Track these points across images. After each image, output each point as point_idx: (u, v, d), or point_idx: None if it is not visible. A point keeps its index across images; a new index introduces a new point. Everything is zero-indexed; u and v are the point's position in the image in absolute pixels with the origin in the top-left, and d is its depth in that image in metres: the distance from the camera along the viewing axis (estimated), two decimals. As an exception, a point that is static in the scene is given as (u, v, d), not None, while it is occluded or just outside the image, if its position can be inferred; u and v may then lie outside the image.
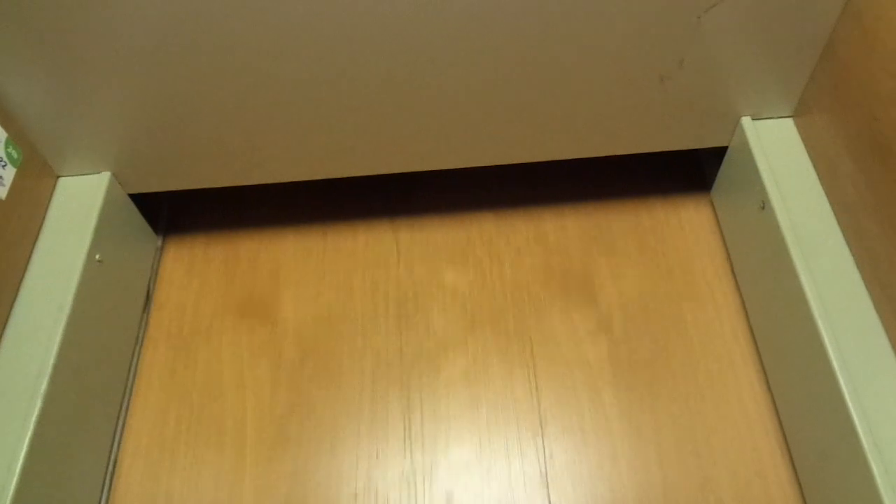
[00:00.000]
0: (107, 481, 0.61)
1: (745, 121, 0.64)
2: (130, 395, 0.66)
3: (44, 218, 0.63)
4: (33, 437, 0.51)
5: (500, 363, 0.66)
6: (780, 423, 0.60)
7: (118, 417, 0.64)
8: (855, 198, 0.55)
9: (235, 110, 0.60)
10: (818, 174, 0.61)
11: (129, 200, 0.69)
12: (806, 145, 0.63)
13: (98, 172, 0.65)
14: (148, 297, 0.72)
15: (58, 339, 0.55)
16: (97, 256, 0.61)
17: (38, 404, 0.52)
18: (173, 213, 0.78)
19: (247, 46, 0.54)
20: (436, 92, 0.59)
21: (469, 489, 0.60)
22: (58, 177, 0.66)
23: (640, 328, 0.67)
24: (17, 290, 0.59)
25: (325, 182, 0.69)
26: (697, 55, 0.58)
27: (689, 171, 0.77)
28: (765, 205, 0.60)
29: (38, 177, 0.63)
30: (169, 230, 0.76)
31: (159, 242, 0.75)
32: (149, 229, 0.73)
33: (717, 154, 0.70)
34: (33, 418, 0.52)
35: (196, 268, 0.74)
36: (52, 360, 0.54)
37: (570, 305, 0.69)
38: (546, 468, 0.60)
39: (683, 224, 0.73)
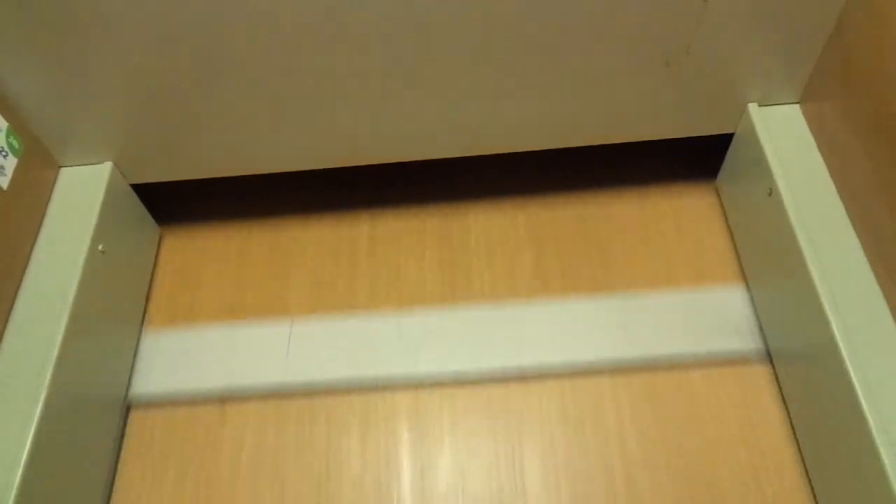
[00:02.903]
0: (111, 471, 0.61)
1: (752, 107, 0.64)
2: (133, 384, 0.66)
3: (46, 208, 0.63)
4: (38, 428, 0.51)
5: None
6: (787, 410, 0.60)
7: (122, 407, 0.64)
8: (863, 183, 0.55)
9: (238, 100, 0.59)
10: (825, 160, 0.60)
11: (130, 190, 0.68)
12: (813, 131, 0.62)
13: (100, 162, 0.65)
14: (150, 287, 0.71)
15: (61, 329, 0.55)
16: (100, 247, 0.61)
17: (43, 395, 0.52)
18: (175, 202, 0.77)
19: (248, 34, 0.54)
20: (434, 79, 0.59)
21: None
22: (60, 167, 0.65)
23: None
24: (20, 280, 0.58)
25: (328, 171, 0.68)
26: (704, 40, 0.57)
27: (693, 159, 0.77)
28: (772, 191, 0.59)
29: (39, 167, 0.62)
30: (171, 220, 0.76)
31: (161, 232, 0.75)
32: (150, 219, 0.73)
33: (722, 141, 0.69)
34: (38, 409, 0.52)
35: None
36: (55, 351, 0.54)
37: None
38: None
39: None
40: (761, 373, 0.63)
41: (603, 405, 0.62)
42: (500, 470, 0.60)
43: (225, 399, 0.64)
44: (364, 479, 0.60)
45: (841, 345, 0.50)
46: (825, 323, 0.52)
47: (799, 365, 0.57)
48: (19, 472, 0.49)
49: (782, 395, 0.61)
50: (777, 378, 0.62)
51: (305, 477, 0.60)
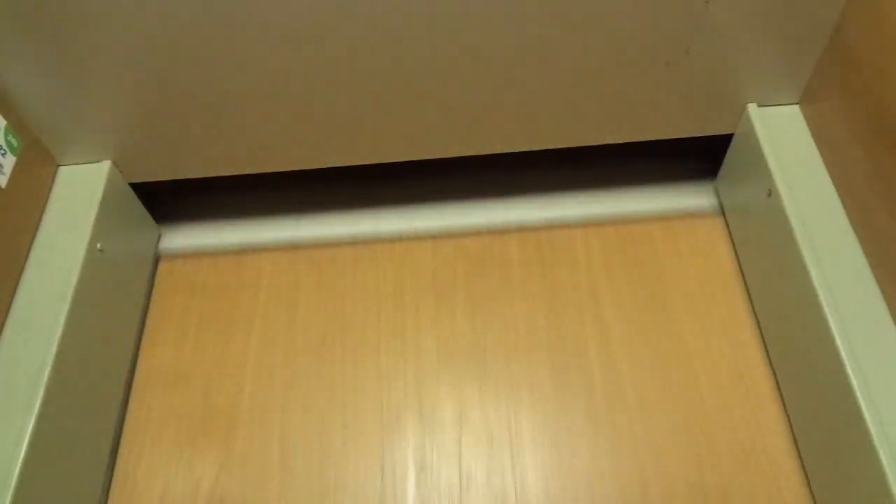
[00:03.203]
0: (109, 470, 0.61)
1: (752, 108, 0.64)
2: (132, 384, 0.66)
3: (44, 207, 0.63)
4: (35, 428, 0.51)
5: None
6: (786, 411, 0.60)
7: (120, 406, 0.64)
8: (862, 184, 0.55)
9: (237, 98, 0.59)
10: (825, 161, 0.61)
11: (129, 189, 0.68)
12: (812, 132, 0.62)
13: (99, 161, 0.65)
14: (149, 286, 0.71)
15: (60, 328, 0.55)
16: (98, 245, 0.61)
17: (41, 394, 0.52)
18: (175, 201, 0.77)
19: (247, 32, 0.54)
20: (434, 79, 0.59)
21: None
22: (58, 165, 0.65)
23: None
24: (19, 279, 0.58)
25: (327, 170, 0.68)
26: (704, 41, 0.57)
27: (692, 159, 0.77)
28: (771, 192, 0.59)
29: (38, 165, 0.62)
30: (170, 218, 0.76)
31: (160, 231, 0.75)
32: (149, 218, 0.73)
33: (722, 141, 0.69)
34: (35, 408, 0.52)
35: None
36: (53, 350, 0.54)
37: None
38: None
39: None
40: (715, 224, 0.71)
41: (576, 252, 0.71)
42: (485, 304, 0.68)
43: (243, 251, 0.73)
44: (367, 313, 0.68)
45: (840, 346, 0.51)
46: (825, 324, 0.52)
47: (797, 366, 0.58)
48: (17, 468, 0.49)
49: (781, 394, 0.61)
50: (776, 376, 0.62)
51: (315, 313, 0.68)
